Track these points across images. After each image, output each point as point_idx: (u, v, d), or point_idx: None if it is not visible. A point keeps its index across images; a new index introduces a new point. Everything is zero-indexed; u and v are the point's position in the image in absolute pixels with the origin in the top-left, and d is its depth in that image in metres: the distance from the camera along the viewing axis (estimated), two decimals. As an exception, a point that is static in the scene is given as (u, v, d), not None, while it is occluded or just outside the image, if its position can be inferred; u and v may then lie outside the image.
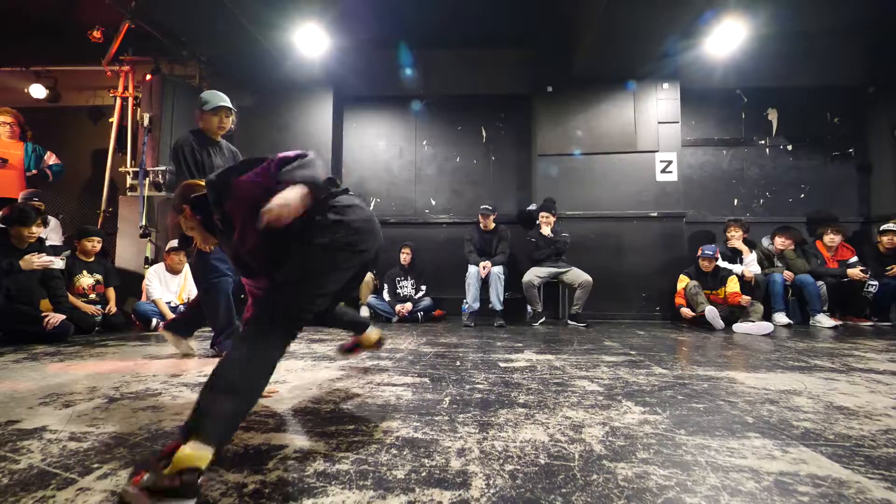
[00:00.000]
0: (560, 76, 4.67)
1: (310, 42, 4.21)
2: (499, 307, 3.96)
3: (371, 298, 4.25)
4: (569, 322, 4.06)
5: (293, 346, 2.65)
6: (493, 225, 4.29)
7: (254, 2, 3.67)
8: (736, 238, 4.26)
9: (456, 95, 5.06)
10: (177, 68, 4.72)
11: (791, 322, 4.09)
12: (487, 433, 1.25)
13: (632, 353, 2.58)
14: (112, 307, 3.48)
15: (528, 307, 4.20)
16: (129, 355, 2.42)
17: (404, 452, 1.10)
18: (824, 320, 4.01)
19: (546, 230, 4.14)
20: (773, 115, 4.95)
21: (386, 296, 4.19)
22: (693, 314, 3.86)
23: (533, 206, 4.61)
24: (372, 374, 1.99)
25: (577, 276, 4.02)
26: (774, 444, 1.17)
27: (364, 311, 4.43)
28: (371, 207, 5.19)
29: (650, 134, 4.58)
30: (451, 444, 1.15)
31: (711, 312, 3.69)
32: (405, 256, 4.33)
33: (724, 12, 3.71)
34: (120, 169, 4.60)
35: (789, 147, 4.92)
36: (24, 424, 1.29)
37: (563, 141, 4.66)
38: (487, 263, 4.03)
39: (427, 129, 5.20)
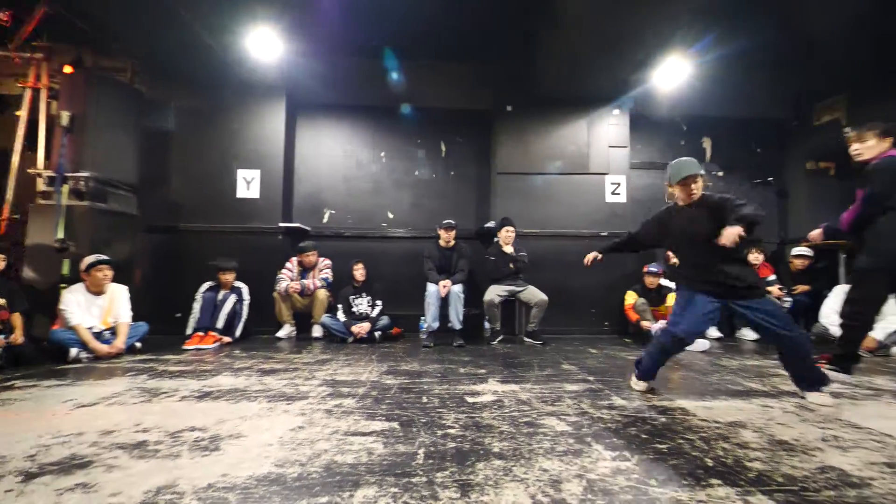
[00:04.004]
0: (520, 97, 4.78)
1: (262, 46, 3.96)
2: (458, 326, 3.95)
3: (325, 318, 4.07)
4: (525, 339, 4.14)
5: (244, 383, 2.46)
6: (453, 241, 4.28)
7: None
8: (674, 257, 4.57)
9: (416, 108, 4.99)
10: (104, 61, 4.22)
11: (721, 335, 4.49)
12: (470, 497, 1.21)
13: (590, 378, 2.68)
14: (18, 336, 3.00)
15: (486, 324, 4.24)
16: (44, 401, 2.10)
17: (386, 534, 1.03)
18: (748, 334, 4.45)
19: (507, 248, 4.20)
20: (707, 144, 5.39)
21: (341, 315, 4.02)
22: (649, 326, 4.05)
23: (492, 224, 4.66)
24: (336, 417, 1.88)
25: (534, 294, 4.11)
26: (737, 494, 1.24)
27: (317, 332, 4.24)
28: (325, 219, 4.99)
29: (601, 157, 4.81)
30: (435, 518, 1.11)
31: (658, 331, 3.94)
32: (359, 273, 4.18)
33: (671, 50, 3.98)
34: (29, 170, 4.04)
35: (720, 173, 5.39)
36: (-87, 525, 1.06)
37: (521, 160, 4.76)
38: (447, 283, 4.01)
39: (386, 140, 5.09)
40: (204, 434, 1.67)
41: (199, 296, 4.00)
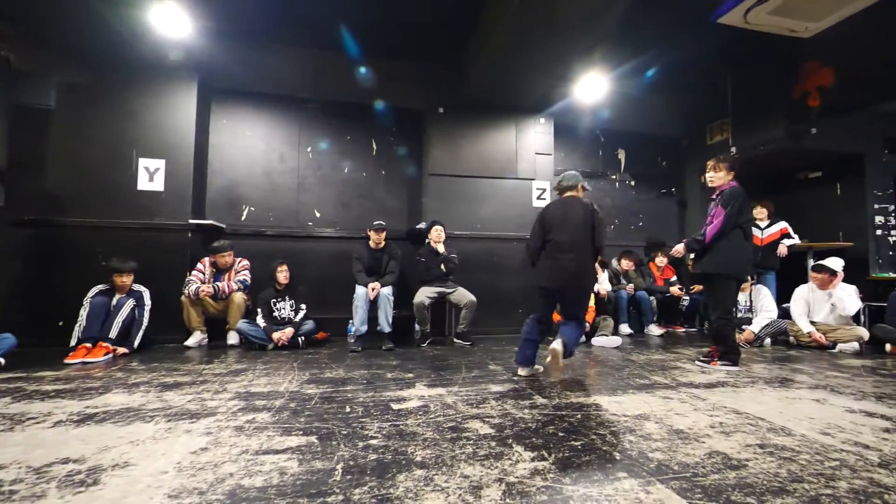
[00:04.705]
0: (452, 99, 4.81)
1: (168, 21, 3.55)
2: (387, 329, 3.87)
3: (241, 323, 3.75)
4: (455, 340, 4.18)
5: (139, 401, 2.17)
6: (383, 242, 4.19)
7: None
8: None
9: (346, 102, 4.80)
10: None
11: (632, 332, 4.90)
12: (387, 514, 1.16)
13: (515, 378, 2.76)
14: None
15: (417, 326, 4.20)
16: None
17: (293, 566, 0.95)
18: (654, 329, 4.90)
19: (440, 247, 4.20)
20: (621, 155, 5.87)
21: (260, 320, 3.73)
22: None
23: (423, 225, 4.64)
24: (247, 435, 1.72)
25: (463, 295, 4.16)
26: (639, 485, 1.34)
27: (232, 339, 3.91)
28: (244, 216, 4.61)
29: (528, 163, 5.01)
30: (349, 541, 1.04)
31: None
32: (282, 276, 3.92)
33: (592, 67, 4.26)
34: None
35: (632, 182, 5.90)
36: None
37: (453, 162, 4.80)
38: (376, 285, 3.91)
39: (313, 134, 4.83)
40: (80, 466, 1.43)
41: (86, 301, 3.47)
